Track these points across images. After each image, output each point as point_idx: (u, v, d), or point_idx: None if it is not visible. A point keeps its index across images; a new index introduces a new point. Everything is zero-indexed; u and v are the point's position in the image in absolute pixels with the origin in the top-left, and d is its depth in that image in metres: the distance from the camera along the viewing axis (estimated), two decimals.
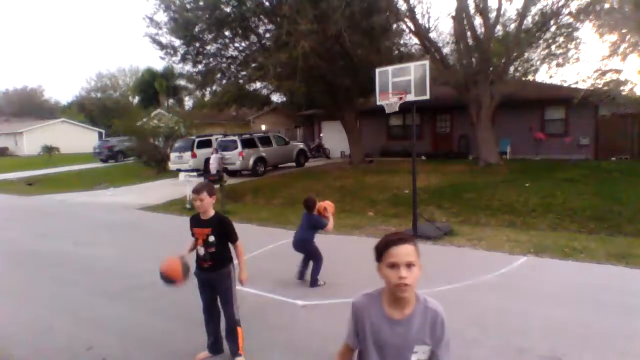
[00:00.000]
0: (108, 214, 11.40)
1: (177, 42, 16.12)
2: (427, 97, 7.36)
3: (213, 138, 19.32)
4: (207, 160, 17.21)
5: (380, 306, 1.65)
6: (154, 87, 42.62)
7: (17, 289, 5.84)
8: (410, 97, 7.47)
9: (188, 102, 48.18)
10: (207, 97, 24.25)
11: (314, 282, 5.37)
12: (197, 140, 18.89)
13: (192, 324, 4.36)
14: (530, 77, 17.29)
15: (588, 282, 5.32)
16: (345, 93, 17.28)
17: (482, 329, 4.07)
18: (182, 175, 12.91)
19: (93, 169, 24.66)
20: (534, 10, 14.49)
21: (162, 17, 15.60)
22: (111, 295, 5.36)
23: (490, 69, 14.89)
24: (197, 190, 3.49)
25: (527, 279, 5.49)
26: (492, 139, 15.11)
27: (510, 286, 5.24)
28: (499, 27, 15.33)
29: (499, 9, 14.43)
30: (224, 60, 17.10)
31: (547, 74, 18.07)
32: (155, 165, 20.46)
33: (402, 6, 14.79)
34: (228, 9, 14.94)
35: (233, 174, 16.57)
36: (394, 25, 15.83)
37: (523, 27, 14.48)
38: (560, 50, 14.83)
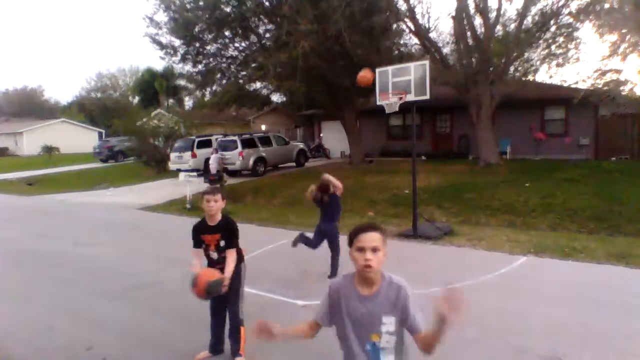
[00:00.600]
0: (108, 214, 11.40)
1: (177, 42, 16.13)
2: (427, 97, 7.36)
3: (213, 138, 19.31)
4: (207, 160, 17.21)
5: (353, 285, 1.88)
6: (154, 87, 42.63)
7: (17, 289, 5.84)
8: (410, 97, 7.47)
9: (188, 102, 48.23)
10: (207, 97, 24.26)
11: (335, 272, 5.48)
12: (197, 140, 18.89)
13: (192, 324, 4.36)
14: (530, 77, 17.29)
15: (588, 282, 5.32)
16: (345, 93, 17.27)
17: (482, 329, 4.06)
18: (182, 175, 12.92)
19: (93, 169, 24.66)
20: (534, 10, 14.50)
21: (162, 17, 15.63)
22: (111, 295, 5.36)
23: (490, 69, 14.88)
24: (212, 191, 3.44)
25: (527, 279, 5.49)
26: (492, 139, 15.11)
27: (510, 286, 5.24)
28: (499, 27, 15.33)
29: (499, 9, 14.44)
30: (224, 60, 17.10)
31: (547, 74, 18.11)
32: (155, 165, 20.46)
33: (402, 6, 14.80)
34: (228, 9, 14.95)
35: (233, 174, 16.58)
36: (394, 25, 15.81)
37: (523, 27, 14.48)
38: (560, 50, 14.82)
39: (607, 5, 11.98)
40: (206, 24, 14.94)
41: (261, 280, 5.37)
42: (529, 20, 14.66)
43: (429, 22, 16.78)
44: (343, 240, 2.97)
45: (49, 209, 12.80)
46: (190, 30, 15.14)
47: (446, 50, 17.62)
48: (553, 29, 14.53)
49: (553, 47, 14.90)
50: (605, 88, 12.01)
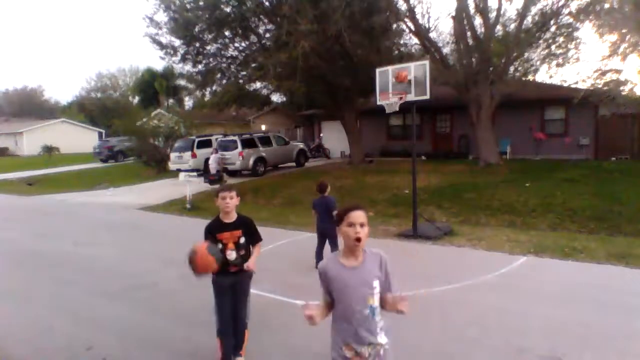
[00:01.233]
0: (108, 214, 11.40)
1: (177, 42, 16.13)
2: (427, 97, 7.37)
3: (213, 138, 19.31)
4: (207, 160, 17.21)
5: (339, 262, 2.19)
6: (154, 87, 42.63)
7: (17, 289, 5.84)
8: (410, 97, 7.47)
9: (188, 102, 48.20)
10: (207, 97, 24.23)
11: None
12: (197, 140, 18.88)
13: (192, 324, 4.37)
14: (530, 77, 17.28)
15: (588, 282, 5.32)
16: (345, 93, 17.27)
17: (482, 329, 4.07)
18: (182, 175, 12.92)
19: (93, 169, 24.66)
20: (534, 10, 14.50)
21: (162, 17, 15.62)
22: (111, 295, 5.36)
23: (490, 69, 14.88)
24: (228, 188, 3.37)
25: (527, 279, 5.49)
26: (492, 139, 15.11)
27: (510, 286, 5.24)
28: (499, 27, 15.33)
29: (499, 9, 14.44)
30: (224, 60, 17.09)
31: (547, 74, 18.07)
32: (155, 165, 20.46)
33: (402, 6, 14.80)
34: (228, 9, 14.94)
35: (233, 174, 16.58)
36: (394, 25, 15.80)
37: (523, 27, 14.48)
38: (560, 50, 14.82)
39: (607, 5, 11.98)
40: (206, 24, 14.93)
41: (261, 280, 5.35)
42: (529, 20, 14.67)
43: (429, 22, 16.75)
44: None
45: (49, 209, 12.80)
46: (190, 30, 15.14)
47: (446, 50, 17.63)
48: (553, 29, 14.53)
49: (553, 47, 14.90)
50: (605, 88, 12.01)
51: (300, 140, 24.87)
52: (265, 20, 15.96)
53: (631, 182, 10.78)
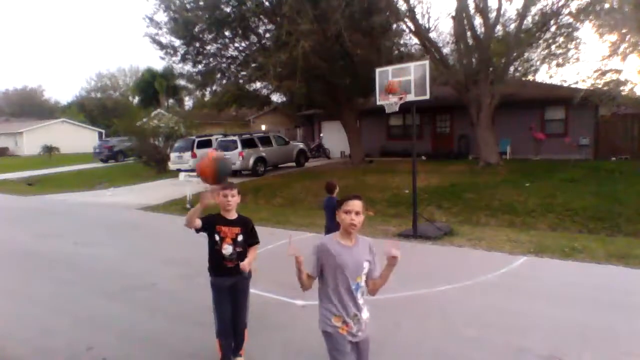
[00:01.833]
0: (108, 214, 11.40)
1: (177, 42, 16.14)
2: (427, 97, 7.37)
3: (213, 138, 19.31)
4: None
5: (337, 241, 2.48)
6: (154, 87, 42.56)
7: (17, 289, 5.84)
8: (410, 97, 7.47)
9: (188, 102, 48.14)
10: (207, 97, 24.25)
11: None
12: (197, 140, 18.87)
13: (192, 324, 4.37)
14: (530, 77, 17.28)
15: (588, 282, 5.32)
16: (345, 93, 17.27)
17: (482, 329, 4.07)
18: (182, 175, 12.91)
19: (93, 169, 24.65)
20: (534, 10, 14.48)
21: (162, 17, 15.63)
22: (111, 295, 5.36)
23: (490, 69, 14.88)
24: (230, 186, 3.30)
25: (527, 279, 5.49)
26: (492, 139, 15.11)
27: (510, 286, 5.24)
28: (499, 27, 15.31)
29: (499, 9, 14.43)
30: (224, 60, 17.09)
31: (547, 74, 18.09)
32: (155, 165, 20.45)
33: (402, 6, 14.78)
34: (228, 9, 14.94)
35: (233, 174, 16.57)
36: (394, 25, 15.81)
37: (523, 27, 14.47)
38: (560, 50, 14.81)
39: (607, 5, 11.98)
40: (206, 24, 14.94)
41: (261, 280, 5.36)
42: (529, 20, 14.66)
43: (429, 22, 16.75)
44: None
45: (49, 209, 12.79)
46: (190, 30, 15.14)
47: (446, 50, 17.62)
48: (553, 29, 14.52)
49: (553, 47, 14.89)
50: (605, 88, 12.01)
51: (300, 140, 24.86)
52: (265, 20, 15.96)
53: (631, 182, 10.77)
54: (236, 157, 16.66)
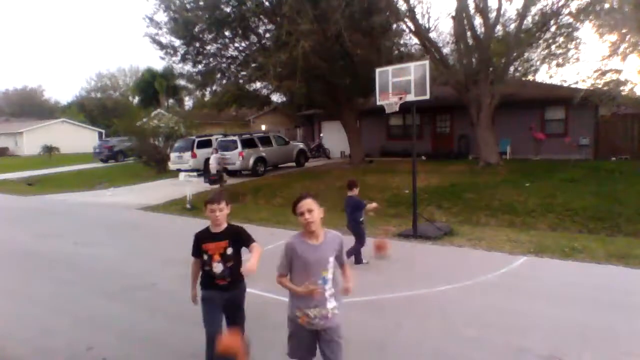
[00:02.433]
0: (108, 214, 11.40)
1: (177, 42, 16.13)
2: (427, 97, 7.37)
3: (213, 138, 19.30)
4: (207, 160, 17.20)
5: (303, 240, 2.67)
6: (154, 87, 42.56)
7: (17, 289, 5.84)
8: (410, 97, 7.48)
9: (188, 102, 48.16)
10: (207, 97, 24.25)
11: (357, 259, 6.07)
12: (197, 140, 18.87)
13: (192, 324, 4.35)
14: (530, 77, 17.28)
15: (588, 282, 5.32)
16: (345, 93, 17.27)
17: (482, 329, 4.07)
18: (182, 175, 12.91)
19: (93, 169, 24.64)
20: (534, 10, 14.48)
21: (162, 17, 15.63)
22: (111, 295, 5.36)
23: (490, 69, 14.88)
24: (216, 199, 3.06)
25: (527, 279, 5.49)
26: (492, 139, 15.11)
27: (510, 286, 5.24)
28: (499, 27, 15.31)
29: (499, 9, 14.43)
30: (224, 60, 17.09)
31: (547, 74, 18.10)
32: (155, 165, 20.45)
33: (402, 6, 14.78)
34: (228, 9, 14.94)
35: (233, 174, 16.56)
36: (394, 25, 15.81)
37: (523, 27, 14.47)
38: (560, 50, 14.81)
39: (607, 5, 11.98)
40: (206, 24, 14.93)
41: (261, 280, 5.36)
42: (529, 20, 14.66)
43: (429, 22, 16.75)
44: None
45: (49, 209, 12.79)
46: (190, 30, 15.14)
47: (446, 50, 17.62)
48: (553, 29, 14.52)
49: (553, 47, 14.89)
50: (605, 88, 12.00)
51: (300, 140, 24.86)
52: (265, 20, 15.96)
53: (631, 182, 10.77)
54: (236, 157, 16.66)
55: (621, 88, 11.97)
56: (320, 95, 18.31)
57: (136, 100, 49.18)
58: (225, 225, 3.20)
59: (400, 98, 7.51)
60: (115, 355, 3.85)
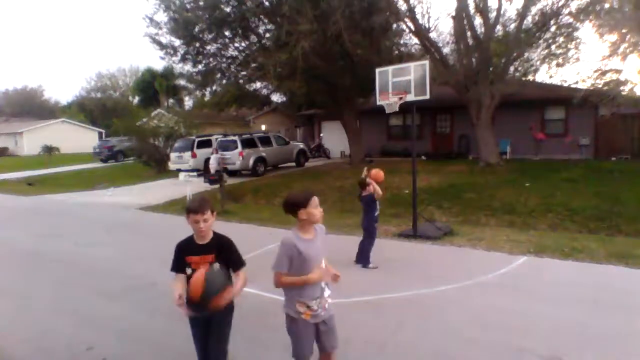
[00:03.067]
0: (108, 214, 11.40)
1: (177, 42, 16.13)
2: (427, 97, 7.37)
3: (213, 138, 19.30)
4: (207, 160, 17.21)
5: (299, 236, 2.71)
6: (154, 87, 42.60)
7: (17, 289, 5.84)
8: (410, 97, 7.47)
9: (188, 102, 48.20)
10: (207, 97, 24.27)
11: (361, 259, 6.10)
12: (197, 140, 18.87)
13: None
14: (530, 77, 17.26)
15: (588, 282, 5.31)
16: (345, 93, 17.26)
17: (482, 329, 4.07)
18: (182, 175, 12.90)
19: (93, 169, 24.64)
20: (534, 10, 14.48)
21: (162, 17, 15.62)
22: (111, 295, 5.36)
23: (490, 69, 14.88)
24: (199, 208, 2.71)
25: (527, 279, 5.49)
26: (492, 139, 15.11)
27: (510, 286, 5.24)
28: (499, 27, 15.32)
29: (499, 9, 14.42)
30: (224, 60, 17.09)
31: (547, 74, 18.07)
32: (155, 165, 20.45)
33: (402, 6, 14.78)
34: (228, 9, 14.94)
35: (233, 174, 16.56)
36: (394, 25, 15.82)
37: (523, 27, 14.47)
38: (560, 50, 14.81)
39: (607, 5, 11.98)
40: (206, 24, 14.93)
41: (261, 279, 5.35)
42: (529, 20, 14.65)
43: (429, 22, 16.69)
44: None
45: (49, 209, 12.79)
46: (190, 30, 15.14)
47: (446, 50, 17.60)
48: (553, 29, 14.52)
49: (553, 47, 14.89)
50: (605, 88, 12.01)
51: (300, 140, 24.86)
52: (265, 20, 15.95)
53: (631, 182, 10.77)
54: (236, 157, 16.66)
55: (621, 88, 11.97)
56: (320, 95, 18.32)
57: (136, 100, 49.23)
58: (211, 234, 2.85)
59: (400, 98, 7.50)
60: (115, 355, 3.85)
